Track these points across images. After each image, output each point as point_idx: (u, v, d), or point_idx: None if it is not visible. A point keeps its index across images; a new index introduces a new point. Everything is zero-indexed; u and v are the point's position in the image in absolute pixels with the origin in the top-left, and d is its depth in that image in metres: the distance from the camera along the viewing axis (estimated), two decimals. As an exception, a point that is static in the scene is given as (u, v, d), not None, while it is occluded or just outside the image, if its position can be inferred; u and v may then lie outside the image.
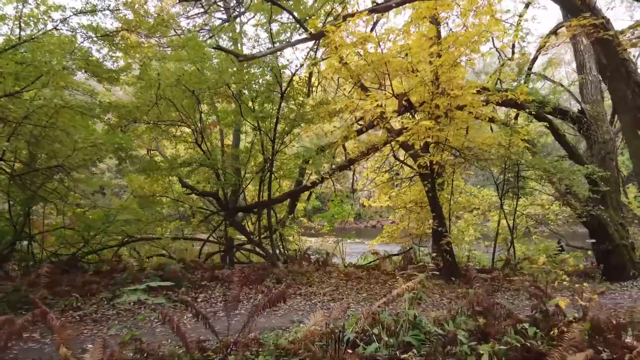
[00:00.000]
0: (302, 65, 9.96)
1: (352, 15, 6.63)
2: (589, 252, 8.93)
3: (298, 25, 8.43)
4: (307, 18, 8.34)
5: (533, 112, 9.04)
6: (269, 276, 7.54)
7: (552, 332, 3.44)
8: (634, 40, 6.60)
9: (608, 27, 5.86)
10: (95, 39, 7.44)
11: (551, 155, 14.51)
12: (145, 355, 3.38)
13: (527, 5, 10.82)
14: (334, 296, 6.81)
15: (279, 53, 9.10)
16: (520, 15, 10.56)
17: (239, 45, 10.38)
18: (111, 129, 8.47)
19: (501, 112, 11.81)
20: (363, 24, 8.03)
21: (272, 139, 9.01)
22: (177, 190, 10.67)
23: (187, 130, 9.69)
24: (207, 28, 11.55)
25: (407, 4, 7.01)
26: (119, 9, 7.72)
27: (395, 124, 9.72)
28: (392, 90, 7.90)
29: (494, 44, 11.16)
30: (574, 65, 14.27)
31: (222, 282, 7.32)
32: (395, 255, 10.77)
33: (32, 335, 4.56)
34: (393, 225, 11.85)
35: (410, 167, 10.06)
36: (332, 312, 3.85)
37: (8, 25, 6.93)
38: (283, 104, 8.99)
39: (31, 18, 6.94)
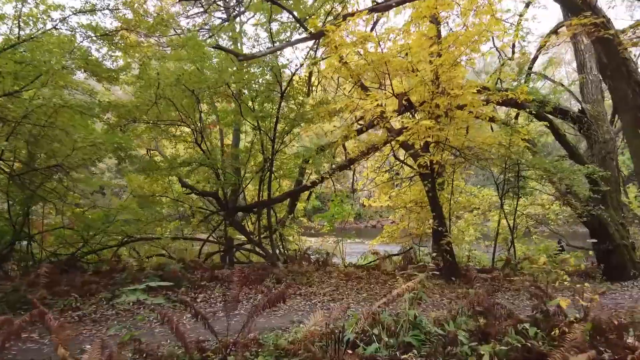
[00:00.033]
0: (302, 65, 9.96)
1: (352, 14, 6.62)
2: (590, 252, 8.90)
3: (298, 25, 8.42)
4: (307, 17, 8.32)
5: (533, 112, 9.02)
6: (268, 276, 7.52)
7: (553, 333, 3.42)
8: (634, 40, 6.59)
9: (609, 26, 5.84)
10: (94, 38, 7.41)
11: (551, 155, 14.49)
12: (144, 355, 3.37)
13: (527, 5, 10.80)
14: (334, 296, 6.80)
15: (278, 52, 9.08)
16: (521, 15, 10.54)
17: (238, 44, 10.37)
18: (110, 129, 8.45)
19: (501, 112, 11.79)
20: (363, 23, 8.01)
21: (272, 138, 8.99)
22: (177, 190, 10.65)
23: (187, 129, 9.68)
24: (206, 27, 11.54)
25: (407, 3, 7.00)
26: (119, 9, 7.69)
27: (396, 123, 9.70)
28: (392, 89, 7.88)
29: (494, 43, 11.15)
30: (574, 64, 14.27)
31: (221, 282, 7.30)
32: (395, 255, 10.75)
33: (31, 335, 4.55)
34: (393, 225, 11.84)
35: (411, 166, 10.04)
36: (332, 312, 3.83)
37: (7, 24, 6.93)
38: (283, 104, 8.97)
39: (30, 17, 6.92)
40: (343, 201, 11.85)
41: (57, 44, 6.78)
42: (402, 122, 9.62)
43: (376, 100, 7.09)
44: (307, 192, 12.74)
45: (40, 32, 6.96)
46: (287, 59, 15.56)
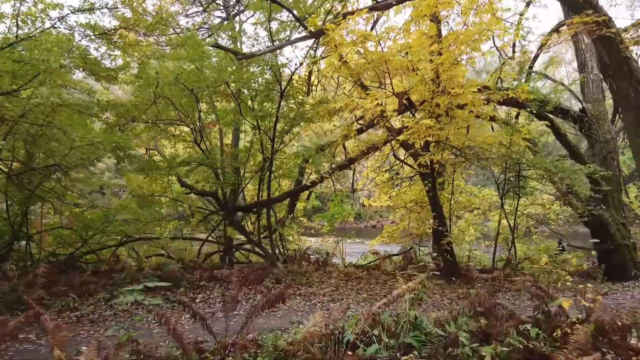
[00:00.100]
0: (301, 64, 9.94)
1: (352, 13, 6.60)
2: (593, 252, 8.87)
3: (298, 24, 8.39)
4: (307, 16, 8.29)
5: (534, 111, 8.98)
6: (268, 276, 7.49)
7: (555, 334, 3.39)
8: (636, 38, 6.55)
9: (610, 24, 5.80)
10: (93, 37, 7.38)
11: (552, 155, 14.46)
12: (141, 356, 3.33)
13: (528, 4, 10.77)
14: (334, 297, 6.76)
15: (278, 51, 9.05)
16: (521, 14, 10.51)
17: (238, 43, 10.33)
18: (109, 128, 8.40)
19: (502, 111, 11.75)
20: (363, 22, 7.97)
21: (272, 138, 8.96)
22: (176, 190, 10.62)
23: (186, 129, 9.64)
24: (206, 26, 11.51)
25: (408, 2, 6.97)
26: (117, 7, 7.66)
27: (396, 122, 9.66)
28: (393, 88, 7.85)
29: (494, 42, 11.11)
30: (574, 64, 14.24)
31: (221, 282, 7.27)
32: (395, 255, 10.72)
33: (28, 336, 4.52)
34: (393, 225, 11.80)
35: (411, 166, 10.00)
36: (331, 313, 3.80)
37: (5, 23, 6.89)
38: (282, 103, 8.94)
39: (29, 16, 6.89)
40: (343, 201, 11.81)
41: (55, 42, 6.75)
42: (403, 121, 9.58)
43: (376, 99, 7.06)
44: (306, 192, 12.71)
45: (38, 31, 6.93)
46: (287, 58, 15.57)
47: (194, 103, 8.71)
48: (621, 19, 27.89)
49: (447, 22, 8.45)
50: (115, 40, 7.72)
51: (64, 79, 7.12)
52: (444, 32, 8.11)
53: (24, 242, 7.57)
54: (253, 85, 8.82)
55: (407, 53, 7.45)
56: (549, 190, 10.24)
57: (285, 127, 9.37)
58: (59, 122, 6.63)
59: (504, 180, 9.54)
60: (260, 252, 9.33)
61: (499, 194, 9.78)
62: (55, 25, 7.07)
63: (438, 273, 6.44)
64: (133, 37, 8.17)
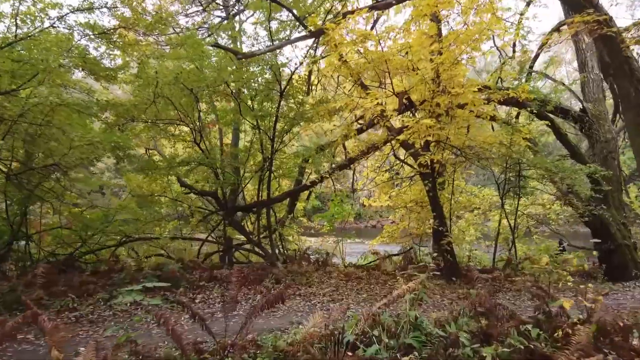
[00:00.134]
0: (301, 64, 9.92)
1: (352, 12, 6.58)
2: (594, 253, 8.85)
3: (297, 23, 8.37)
4: (307, 15, 8.27)
5: (534, 111, 8.96)
6: (268, 276, 7.47)
7: (556, 334, 3.37)
8: (637, 38, 6.53)
9: (611, 24, 5.79)
10: (92, 36, 7.36)
11: (552, 155, 14.44)
12: (140, 357, 3.31)
13: (528, 4, 10.75)
14: (334, 297, 6.74)
15: (278, 51, 9.03)
16: (522, 14, 10.49)
17: (238, 43, 10.31)
18: (109, 128, 8.39)
19: (502, 111, 11.73)
20: (363, 21, 7.93)
21: (272, 137, 8.93)
22: (176, 190, 10.60)
23: (186, 129, 9.62)
24: (206, 26, 11.49)
25: (408, 2, 6.95)
26: (117, 7, 7.64)
27: (396, 122, 9.64)
28: (393, 88, 7.82)
29: (494, 42, 11.09)
30: (574, 64, 14.23)
31: (220, 282, 7.25)
32: (395, 255, 10.70)
33: (27, 336, 4.50)
34: (393, 225, 11.78)
35: (411, 166, 9.98)
36: (331, 313, 3.78)
37: (4, 22, 6.89)
38: (282, 103, 8.92)
39: (28, 15, 6.89)
40: (343, 201, 11.79)
41: (54, 42, 6.74)
42: (403, 121, 9.56)
43: (376, 99, 7.04)
44: (306, 192, 12.69)
45: (37, 30, 6.92)
46: (287, 58, 15.51)
47: (194, 103, 8.69)
48: (621, 19, 27.89)
49: (448, 22, 8.44)
50: (114, 39, 7.71)
51: (63, 79, 7.11)
52: (444, 32, 8.10)
53: (23, 242, 7.55)
54: (253, 84, 8.80)
55: (407, 53, 7.43)
56: (550, 190, 10.23)
57: (285, 127, 9.35)
58: (58, 121, 6.62)
59: (504, 180, 9.52)
60: (260, 252, 9.31)
61: (500, 193, 9.76)
62: (54, 25, 7.07)
63: (438, 273, 6.42)
64: (132, 36, 8.15)
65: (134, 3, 7.92)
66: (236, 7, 11.51)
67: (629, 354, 2.83)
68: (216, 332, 3.73)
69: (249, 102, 9.17)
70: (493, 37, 10.07)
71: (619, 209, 9.41)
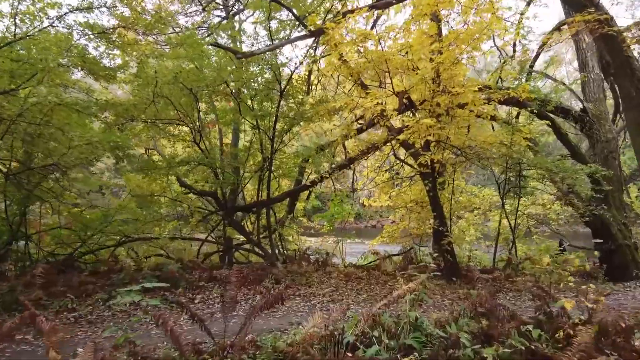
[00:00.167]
0: (301, 63, 9.89)
1: (352, 12, 6.56)
2: (595, 253, 8.83)
3: (297, 23, 8.35)
4: (307, 15, 8.25)
5: (535, 111, 8.94)
6: (267, 276, 7.45)
7: (557, 335, 3.35)
8: (639, 37, 6.51)
9: (612, 23, 5.76)
10: (91, 36, 7.33)
11: (553, 155, 14.40)
12: (139, 358, 3.29)
13: (528, 3, 10.73)
14: (334, 297, 6.72)
15: (278, 51, 9.01)
16: (522, 13, 10.47)
17: (237, 42, 10.29)
18: (108, 128, 8.36)
19: (503, 111, 11.70)
20: (363, 21, 7.95)
21: (271, 137, 8.92)
22: (176, 190, 10.58)
23: (185, 128, 9.60)
24: (205, 26, 11.46)
25: (408, 1, 6.93)
26: (116, 6, 7.61)
27: (396, 122, 9.62)
28: (393, 88, 7.80)
29: (495, 42, 11.07)
30: (575, 64, 14.21)
31: (220, 282, 7.23)
32: (395, 255, 10.68)
33: (25, 337, 4.48)
34: (393, 225, 11.76)
35: (411, 166, 9.96)
36: (331, 313, 3.76)
37: (4, 22, 6.87)
38: (282, 102, 8.90)
39: (27, 15, 6.86)
40: (343, 201, 11.77)
41: (53, 41, 6.71)
42: (403, 120, 9.53)
43: (376, 98, 7.01)
44: (306, 192, 12.67)
45: (36, 30, 6.89)
46: (287, 57, 15.46)
47: (193, 102, 8.67)
48: (622, 19, 27.87)
49: (448, 21, 8.43)
50: (114, 39, 7.67)
51: (62, 78, 7.09)
52: (444, 31, 8.08)
53: (22, 242, 7.54)
54: (252, 84, 8.78)
55: (407, 52, 7.41)
56: (550, 190, 10.20)
57: (285, 127, 9.33)
58: (57, 121, 6.60)
59: (504, 180, 9.50)
60: (260, 252, 9.29)
61: (500, 193, 9.74)
62: (53, 24, 7.04)
63: (439, 273, 6.40)
64: (132, 36, 8.12)
65: (134, 2, 7.89)
66: (236, 7, 11.50)
67: (630, 355, 2.81)
68: (215, 332, 3.71)
69: (249, 102, 9.15)
70: (493, 36, 10.06)
71: (620, 209, 9.40)
